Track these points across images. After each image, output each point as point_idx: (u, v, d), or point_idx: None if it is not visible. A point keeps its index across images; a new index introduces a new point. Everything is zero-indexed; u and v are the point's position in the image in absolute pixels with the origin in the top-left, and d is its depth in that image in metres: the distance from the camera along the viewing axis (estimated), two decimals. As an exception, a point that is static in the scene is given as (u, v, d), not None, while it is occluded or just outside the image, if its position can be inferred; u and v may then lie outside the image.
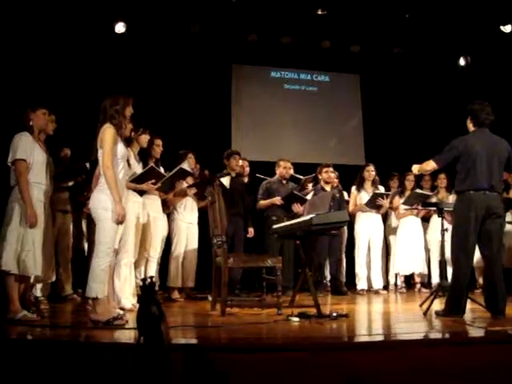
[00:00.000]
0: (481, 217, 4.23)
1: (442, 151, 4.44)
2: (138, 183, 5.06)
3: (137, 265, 5.26)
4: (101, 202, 3.83)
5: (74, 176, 5.94)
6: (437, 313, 4.39)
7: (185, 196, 6.08)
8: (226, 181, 6.26)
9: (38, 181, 4.18)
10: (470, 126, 4.48)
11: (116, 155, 3.92)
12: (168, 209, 6.03)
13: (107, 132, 3.88)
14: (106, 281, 3.90)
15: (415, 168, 4.73)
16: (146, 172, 5.15)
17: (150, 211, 5.41)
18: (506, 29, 8.11)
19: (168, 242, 6.16)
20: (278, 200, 6.66)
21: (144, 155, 5.42)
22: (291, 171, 7.03)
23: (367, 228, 7.07)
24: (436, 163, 4.44)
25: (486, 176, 4.25)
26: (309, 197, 6.60)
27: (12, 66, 6.99)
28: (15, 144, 4.15)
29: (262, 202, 6.79)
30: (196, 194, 6.16)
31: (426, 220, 7.33)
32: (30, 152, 4.15)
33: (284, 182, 6.92)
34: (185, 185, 5.92)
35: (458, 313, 4.24)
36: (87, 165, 5.74)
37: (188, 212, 6.16)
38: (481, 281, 6.74)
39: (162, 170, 5.63)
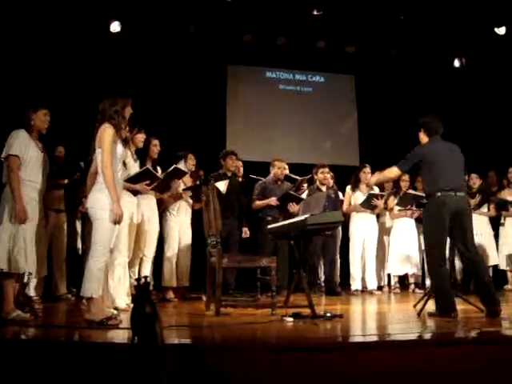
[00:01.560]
0: (452, 216, 4.36)
1: (404, 158, 4.60)
2: (132, 183, 5.06)
3: (131, 264, 5.25)
4: (99, 201, 3.82)
5: (68, 174, 5.93)
6: (429, 314, 4.41)
7: (180, 198, 6.06)
8: (222, 185, 6.23)
9: (30, 179, 4.17)
10: (424, 137, 4.68)
11: (115, 155, 3.92)
12: (160, 208, 6.01)
13: (106, 132, 3.87)
14: (102, 280, 3.89)
15: (373, 179, 4.91)
16: (141, 173, 5.15)
17: (145, 211, 5.41)
18: (501, 31, 8.15)
19: (161, 243, 6.14)
20: (273, 201, 6.66)
21: (141, 155, 5.42)
22: (286, 171, 7.03)
23: (362, 228, 7.07)
24: (400, 169, 4.61)
25: (453, 178, 4.41)
26: (304, 196, 6.60)
27: (7, 64, 6.97)
28: (10, 140, 4.15)
29: (258, 203, 6.78)
30: (191, 196, 6.15)
31: (421, 221, 7.33)
32: (25, 149, 4.14)
33: (279, 182, 6.92)
34: (182, 186, 5.91)
35: (450, 312, 4.25)
36: (82, 164, 5.73)
37: (181, 213, 6.14)
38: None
39: (159, 170, 5.63)
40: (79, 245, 6.34)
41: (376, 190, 7.15)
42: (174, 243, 6.07)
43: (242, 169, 7.10)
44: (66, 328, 3.83)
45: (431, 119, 4.66)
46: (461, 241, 4.41)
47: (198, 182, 6.17)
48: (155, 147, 5.57)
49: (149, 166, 5.38)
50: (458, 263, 6.42)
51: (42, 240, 4.42)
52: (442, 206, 4.36)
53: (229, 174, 6.56)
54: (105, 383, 2.72)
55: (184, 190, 5.99)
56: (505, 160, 7.63)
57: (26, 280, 4.44)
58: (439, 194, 4.37)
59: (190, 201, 6.20)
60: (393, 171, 4.66)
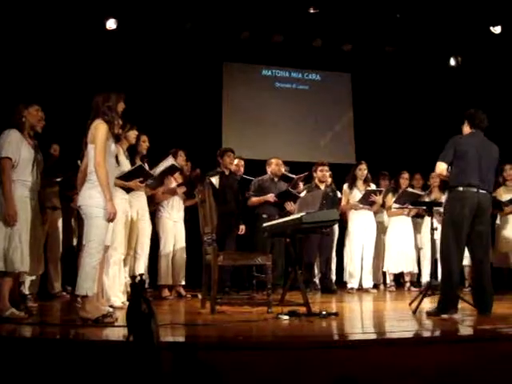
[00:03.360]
0: (473, 213, 4.31)
1: (444, 150, 4.48)
2: (125, 181, 5.04)
3: (124, 263, 5.22)
4: (92, 199, 3.80)
5: (63, 172, 5.90)
6: (428, 313, 4.38)
7: (174, 194, 6.06)
8: (215, 180, 6.25)
9: (23, 178, 4.15)
10: (467, 129, 4.59)
11: (108, 152, 3.90)
12: (153, 206, 6.00)
13: (100, 128, 3.84)
14: (97, 278, 3.88)
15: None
16: (135, 170, 5.13)
17: (138, 208, 5.38)
18: (496, 30, 8.16)
19: (155, 240, 6.12)
20: (271, 197, 6.64)
21: (131, 152, 5.40)
22: (283, 169, 7.03)
23: (361, 227, 7.04)
24: (443, 161, 4.46)
25: (479, 174, 4.35)
26: (302, 195, 6.60)
27: (2, 62, 6.94)
28: (2, 141, 4.12)
29: (254, 199, 6.76)
30: (184, 192, 6.15)
31: (420, 217, 7.33)
32: (17, 149, 4.12)
33: (276, 179, 6.92)
34: (174, 184, 5.90)
35: (452, 311, 4.25)
36: (78, 162, 5.70)
37: (175, 210, 6.13)
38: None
39: (146, 166, 5.62)
40: (74, 242, 6.31)
41: (373, 187, 7.14)
42: (170, 241, 6.06)
43: (242, 168, 7.09)
44: (61, 326, 3.83)
45: (477, 112, 4.57)
46: (476, 239, 4.35)
47: (187, 179, 6.17)
48: (144, 143, 5.56)
49: (138, 161, 5.36)
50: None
51: (39, 238, 4.40)
52: (462, 200, 4.31)
53: (226, 172, 6.56)
54: (100, 381, 2.72)
55: (178, 185, 5.99)
56: (501, 158, 7.64)
57: (22, 278, 4.42)
58: (461, 188, 4.33)
59: (181, 198, 6.20)
60: (439, 167, 4.48)
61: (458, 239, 4.31)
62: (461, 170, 4.36)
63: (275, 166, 6.88)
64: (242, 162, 7.08)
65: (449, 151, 4.44)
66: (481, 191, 4.33)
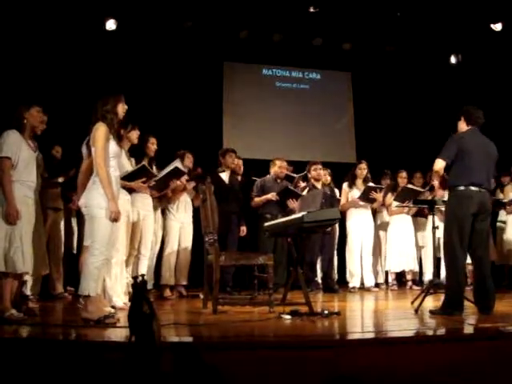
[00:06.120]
0: (475, 212, 4.30)
1: (445, 148, 4.42)
2: (128, 181, 5.03)
3: (126, 263, 5.23)
4: (95, 199, 3.81)
5: (65, 173, 5.91)
6: (432, 312, 4.36)
7: (184, 191, 6.06)
8: (225, 176, 6.26)
9: (23, 178, 4.15)
10: (463, 126, 4.54)
11: (108, 153, 3.91)
12: (161, 205, 6.00)
13: (99, 130, 3.86)
14: (100, 279, 3.88)
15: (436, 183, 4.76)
16: (137, 170, 5.13)
17: (140, 209, 5.38)
18: (497, 27, 8.15)
19: (162, 241, 6.12)
20: (272, 196, 6.62)
21: (138, 153, 5.40)
22: (285, 171, 6.97)
23: (359, 225, 7.05)
24: (442, 159, 4.39)
25: (481, 173, 4.34)
26: (304, 193, 6.58)
27: (2, 63, 6.94)
28: (1, 141, 4.12)
29: (257, 200, 6.76)
30: (194, 187, 6.15)
31: (423, 217, 7.31)
32: (17, 150, 4.12)
33: (278, 180, 6.90)
34: (178, 182, 5.92)
35: (458, 310, 4.22)
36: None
37: (181, 211, 6.13)
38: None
39: (154, 168, 5.61)
40: (75, 243, 6.32)
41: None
42: (173, 242, 6.07)
43: (242, 167, 7.09)
44: (63, 326, 3.83)
45: (473, 109, 4.54)
46: (476, 237, 4.33)
47: (196, 174, 6.18)
48: (152, 145, 5.56)
49: (145, 163, 5.36)
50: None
51: (42, 238, 4.40)
52: (465, 199, 4.29)
53: (228, 172, 6.55)
54: (102, 382, 2.72)
55: (188, 180, 5.99)
56: (503, 157, 7.63)
57: (24, 279, 4.42)
58: (463, 187, 4.30)
59: (189, 199, 6.20)
60: (437, 164, 4.39)
61: (461, 238, 4.29)
62: (463, 170, 4.32)
63: (278, 169, 6.81)
64: (241, 162, 7.07)
65: (451, 149, 4.39)
66: (483, 190, 4.33)
